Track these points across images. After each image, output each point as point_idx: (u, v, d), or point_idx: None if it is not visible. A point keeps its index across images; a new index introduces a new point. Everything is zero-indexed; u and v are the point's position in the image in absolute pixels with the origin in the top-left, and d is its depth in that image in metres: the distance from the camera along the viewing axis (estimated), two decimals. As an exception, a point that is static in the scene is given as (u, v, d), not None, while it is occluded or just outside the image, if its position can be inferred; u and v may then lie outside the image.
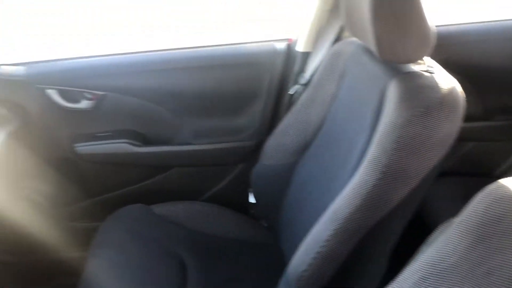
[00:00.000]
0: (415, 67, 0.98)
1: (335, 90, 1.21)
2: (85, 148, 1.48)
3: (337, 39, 1.41)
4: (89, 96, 1.43)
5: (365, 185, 0.89)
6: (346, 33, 1.39)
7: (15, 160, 1.31)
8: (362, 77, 1.10)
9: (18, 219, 1.30)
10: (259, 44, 1.49)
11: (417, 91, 0.90)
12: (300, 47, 1.43)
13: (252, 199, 1.50)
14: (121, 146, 1.48)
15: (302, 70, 1.46)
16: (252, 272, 1.31)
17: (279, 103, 1.52)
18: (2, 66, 1.40)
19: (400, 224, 1.01)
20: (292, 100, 1.45)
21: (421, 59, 0.97)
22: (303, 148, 1.29)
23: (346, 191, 0.94)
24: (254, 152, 1.53)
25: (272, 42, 1.48)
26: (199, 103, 1.50)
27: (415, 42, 0.90)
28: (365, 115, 1.02)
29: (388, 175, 0.87)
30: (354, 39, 1.17)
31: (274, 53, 1.47)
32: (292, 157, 1.32)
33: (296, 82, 1.46)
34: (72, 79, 1.41)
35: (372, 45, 0.93)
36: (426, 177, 0.91)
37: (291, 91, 1.46)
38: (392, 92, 0.93)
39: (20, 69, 1.39)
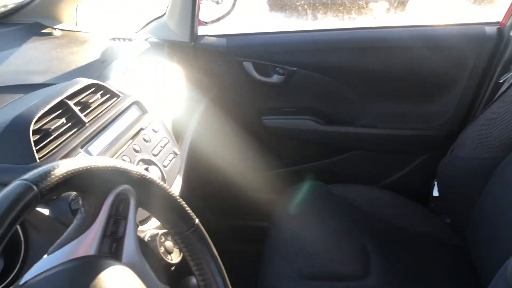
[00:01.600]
0: None
1: None
2: (271, 121, 1.53)
3: None
4: (281, 71, 1.46)
5: None
6: None
7: (213, 124, 1.40)
8: None
9: (219, 183, 1.39)
10: (466, 27, 1.36)
11: None
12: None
13: (435, 192, 1.40)
14: (306, 122, 1.49)
15: (515, 56, 1.30)
16: (436, 270, 1.23)
17: (480, 92, 1.38)
18: (206, 37, 1.49)
19: None
20: (500, 88, 1.31)
21: None
22: (513, 143, 1.16)
23: None
24: (443, 142, 1.42)
25: (481, 25, 1.34)
26: (389, 85, 1.44)
27: None
28: None
29: None
30: None
31: (483, 37, 1.33)
32: (497, 152, 1.19)
33: (507, 70, 1.30)
34: (267, 54, 1.46)
35: None
36: None
37: (501, 79, 1.31)
38: None
39: (222, 41, 1.48)
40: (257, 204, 1.56)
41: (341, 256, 1.19)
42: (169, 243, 0.78)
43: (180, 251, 0.78)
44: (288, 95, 1.51)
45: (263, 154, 1.55)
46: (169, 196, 0.58)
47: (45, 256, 0.49)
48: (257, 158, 1.55)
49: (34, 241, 0.39)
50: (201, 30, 1.49)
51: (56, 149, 0.78)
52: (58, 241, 0.50)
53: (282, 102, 1.53)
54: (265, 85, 1.49)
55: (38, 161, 0.74)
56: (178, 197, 0.59)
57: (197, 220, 0.61)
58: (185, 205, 0.60)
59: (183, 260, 0.76)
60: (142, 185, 0.54)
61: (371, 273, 1.17)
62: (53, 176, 0.43)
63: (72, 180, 0.45)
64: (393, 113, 1.47)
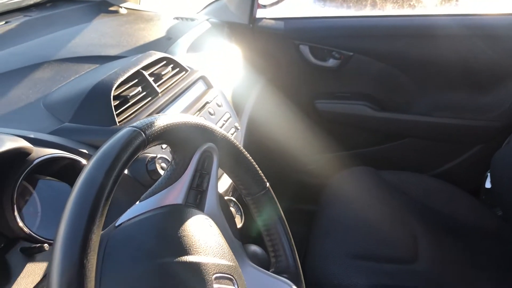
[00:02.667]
0: None
1: None
2: (324, 105, 1.55)
3: None
4: (337, 55, 1.48)
5: None
6: None
7: (268, 105, 1.44)
8: None
9: (271, 162, 1.42)
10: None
11: None
12: None
13: (488, 184, 1.38)
14: (359, 108, 1.51)
15: None
16: (485, 261, 1.23)
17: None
18: (264, 20, 1.52)
19: None
20: None
21: None
22: None
23: None
24: (498, 133, 1.40)
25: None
26: (446, 74, 1.43)
27: None
28: None
29: None
30: None
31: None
32: (556, 145, 1.17)
33: None
34: (324, 38, 1.47)
35: None
36: None
37: None
38: None
39: (279, 24, 1.50)
40: (306, 187, 1.59)
41: (390, 240, 1.20)
42: (232, 209, 0.83)
43: (241, 217, 0.83)
44: (343, 80, 1.52)
45: (315, 137, 1.57)
46: (245, 158, 0.62)
47: (138, 202, 0.54)
48: (309, 141, 1.57)
49: (114, 196, 0.43)
50: (260, 13, 1.52)
51: (133, 115, 0.84)
52: (150, 190, 0.55)
53: (337, 86, 1.54)
54: (321, 69, 1.51)
55: (117, 124, 0.80)
56: (253, 160, 0.63)
57: (268, 184, 0.65)
58: (258, 169, 0.64)
59: (243, 226, 0.81)
60: (224, 145, 0.58)
61: (420, 258, 1.18)
62: (157, 126, 0.47)
63: (171, 132, 0.50)
64: (448, 102, 1.46)
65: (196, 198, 0.57)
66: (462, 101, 1.45)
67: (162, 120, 0.49)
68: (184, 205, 0.55)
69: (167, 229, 0.50)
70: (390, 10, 1.52)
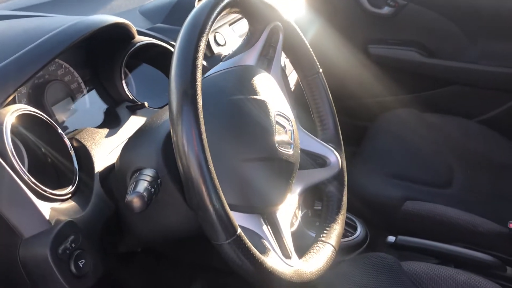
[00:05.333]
0: None
1: None
2: (376, 49, 1.66)
3: None
4: (392, 3, 1.57)
5: None
6: None
7: (323, 44, 1.56)
8: None
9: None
10: None
11: None
12: None
13: (528, 131, 1.45)
14: (410, 54, 1.60)
15: None
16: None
17: None
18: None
19: None
20: None
21: None
22: None
23: None
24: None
25: None
26: (495, 23, 1.49)
27: None
28: None
29: None
30: None
31: None
32: None
33: None
34: (380, -15, 1.57)
35: None
36: None
37: None
38: None
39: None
40: (353, 128, 1.72)
41: (428, 167, 1.32)
42: None
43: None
44: (396, 27, 1.62)
45: (365, 80, 1.68)
46: (304, 44, 0.77)
47: (221, 62, 0.70)
48: (359, 84, 1.69)
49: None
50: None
51: None
52: (230, 53, 0.71)
53: (390, 33, 1.64)
54: (375, 16, 1.61)
55: None
56: (310, 47, 0.78)
57: (321, 69, 0.80)
58: (314, 55, 0.79)
59: None
60: (288, 26, 0.74)
61: (453, 186, 1.29)
62: None
63: (252, 4, 0.65)
64: (496, 52, 1.52)
65: (264, 62, 0.73)
66: (510, 50, 1.51)
67: None
68: (255, 66, 0.71)
69: (242, 79, 0.66)
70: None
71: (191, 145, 0.49)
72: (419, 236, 1.13)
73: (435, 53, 1.61)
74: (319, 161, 0.79)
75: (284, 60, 0.83)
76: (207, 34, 0.56)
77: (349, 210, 1.19)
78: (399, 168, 1.31)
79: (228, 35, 1.08)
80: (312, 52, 0.79)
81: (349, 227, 1.15)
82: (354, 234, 1.12)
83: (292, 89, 1.16)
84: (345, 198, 0.80)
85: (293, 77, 1.19)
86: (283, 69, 0.77)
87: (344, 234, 1.11)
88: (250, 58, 0.71)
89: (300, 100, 0.86)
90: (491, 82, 1.56)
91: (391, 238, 1.11)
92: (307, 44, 0.78)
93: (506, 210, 1.20)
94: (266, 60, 0.74)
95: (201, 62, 0.53)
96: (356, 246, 1.11)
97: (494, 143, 1.47)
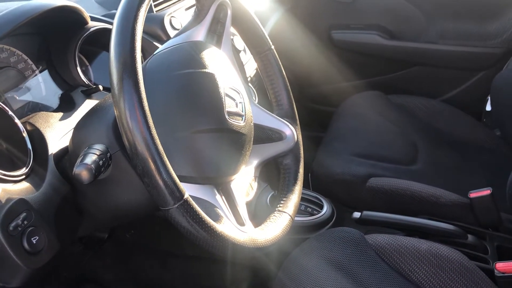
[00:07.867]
0: None
1: None
2: (339, 34, 1.69)
3: None
4: (351, -12, 1.61)
5: None
6: None
7: (286, 32, 1.59)
8: None
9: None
10: None
11: None
12: None
13: (488, 107, 1.49)
14: (371, 37, 1.64)
15: None
16: (476, 168, 1.35)
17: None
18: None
19: None
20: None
21: None
22: None
23: None
24: (501, 59, 1.51)
25: None
26: (450, 3, 1.54)
27: None
28: None
29: None
30: None
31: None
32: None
33: None
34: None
35: None
36: None
37: None
38: None
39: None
40: (320, 114, 1.74)
41: (392, 146, 1.35)
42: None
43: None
44: (357, 12, 1.65)
45: (329, 66, 1.71)
46: (253, 19, 0.78)
47: (169, 40, 0.71)
48: (323, 70, 1.71)
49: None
50: None
51: None
52: (179, 31, 0.72)
53: (350, 19, 1.67)
54: (337, 1, 1.64)
55: None
56: (261, 25, 0.80)
57: (273, 46, 0.82)
58: (265, 32, 0.80)
59: None
60: (236, 2, 0.75)
61: (418, 162, 1.32)
62: None
63: None
64: (454, 30, 1.57)
65: (213, 38, 0.74)
66: (468, 29, 1.55)
67: None
68: (204, 42, 0.72)
69: (190, 54, 0.67)
70: None
71: (133, 111, 0.49)
72: (385, 211, 1.15)
73: (396, 35, 1.64)
74: (275, 136, 0.80)
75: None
76: (147, 5, 0.57)
77: (316, 190, 1.22)
78: (365, 147, 1.34)
79: (184, 19, 1.09)
80: (262, 29, 0.80)
81: (316, 206, 1.17)
82: (321, 212, 1.14)
83: (254, 73, 1.18)
84: (301, 170, 0.81)
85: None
86: (235, 46, 0.79)
87: (311, 213, 1.13)
88: (199, 34, 0.72)
89: (259, 82, 0.88)
90: (451, 61, 1.60)
91: (357, 214, 1.13)
92: (257, 20, 0.79)
93: (467, 182, 1.24)
94: (216, 36, 0.75)
95: (140, 32, 0.54)
96: (322, 223, 1.13)
97: (456, 120, 1.51)
